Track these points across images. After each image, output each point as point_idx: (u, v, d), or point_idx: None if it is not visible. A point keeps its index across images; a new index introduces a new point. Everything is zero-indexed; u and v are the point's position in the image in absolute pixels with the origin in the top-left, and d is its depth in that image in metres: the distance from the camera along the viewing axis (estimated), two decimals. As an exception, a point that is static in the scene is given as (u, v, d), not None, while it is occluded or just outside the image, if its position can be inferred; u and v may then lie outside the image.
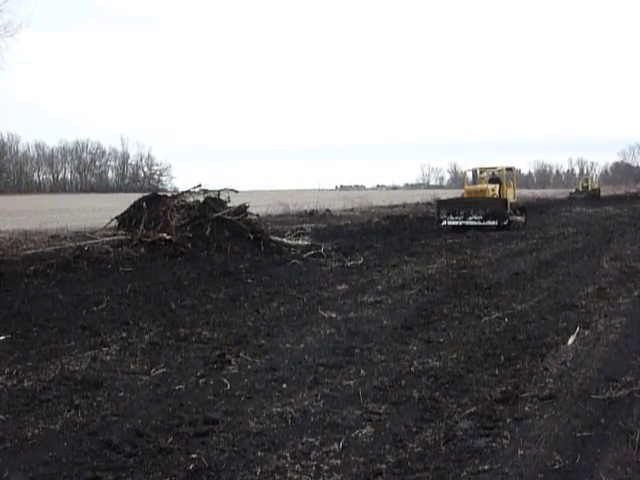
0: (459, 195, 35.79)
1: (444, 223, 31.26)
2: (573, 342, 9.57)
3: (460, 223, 30.90)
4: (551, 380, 7.82)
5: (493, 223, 30.47)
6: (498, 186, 33.12)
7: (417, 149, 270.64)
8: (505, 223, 30.52)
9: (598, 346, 9.44)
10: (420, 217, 38.56)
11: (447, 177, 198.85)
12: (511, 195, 33.92)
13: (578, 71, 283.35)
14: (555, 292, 13.76)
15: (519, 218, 33.19)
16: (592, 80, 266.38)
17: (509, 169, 35.82)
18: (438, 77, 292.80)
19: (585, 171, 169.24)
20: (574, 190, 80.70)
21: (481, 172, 35.34)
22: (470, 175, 37.10)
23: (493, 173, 34.85)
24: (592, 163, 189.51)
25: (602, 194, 78.21)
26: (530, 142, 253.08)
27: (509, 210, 31.29)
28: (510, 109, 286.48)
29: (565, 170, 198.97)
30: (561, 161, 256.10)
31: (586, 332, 10.21)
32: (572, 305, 12.22)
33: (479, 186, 33.94)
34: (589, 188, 77.56)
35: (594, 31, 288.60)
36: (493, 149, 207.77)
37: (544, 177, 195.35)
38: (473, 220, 30.79)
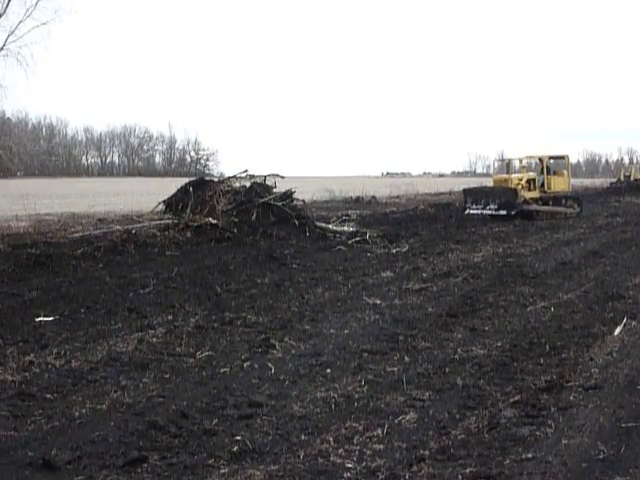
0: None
1: (467, 211, 30.99)
2: (620, 333, 9.48)
3: (480, 212, 30.55)
4: (597, 370, 7.75)
5: (503, 213, 29.65)
6: (527, 175, 32.52)
7: (464, 137, 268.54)
8: (513, 213, 29.55)
9: (645, 337, 9.35)
10: (466, 205, 38.31)
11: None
12: (563, 184, 33.06)
13: (631, 59, 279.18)
14: (602, 282, 13.62)
15: (570, 210, 32.51)
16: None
17: (562, 157, 35.21)
18: (489, 64, 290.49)
19: (635, 160, 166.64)
20: (615, 179, 79.34)
21: (526, 160, 34.81)
22: (500, 164, 36.73)
23: (541, 161, 34.26)
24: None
25: None
26: (579, 131, 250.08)
27: (519, 200, 30.20)
28: (558, 97, 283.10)
29: (614, 159, 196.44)
30: (610, 150, 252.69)
31: (633, 323, 10.10)
32: (619, 295, 12.09)
33: (504, 175, 33.62)
34: (631, 178, 76.11)
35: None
36: (541, 137, 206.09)
37: (593, 166, 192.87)
38: (490, 209, 30.34)
